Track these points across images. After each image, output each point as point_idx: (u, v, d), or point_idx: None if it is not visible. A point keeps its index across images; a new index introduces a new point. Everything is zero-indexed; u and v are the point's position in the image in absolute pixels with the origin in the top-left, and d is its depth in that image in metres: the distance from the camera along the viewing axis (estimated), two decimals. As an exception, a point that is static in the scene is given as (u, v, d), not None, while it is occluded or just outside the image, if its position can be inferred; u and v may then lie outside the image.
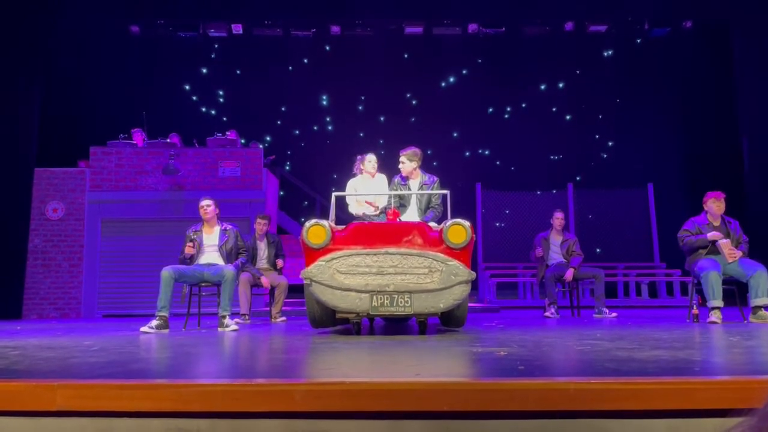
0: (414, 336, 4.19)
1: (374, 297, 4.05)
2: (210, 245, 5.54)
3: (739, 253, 5.27)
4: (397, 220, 4.81)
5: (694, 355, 2.78)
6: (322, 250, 4.22)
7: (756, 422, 0.81)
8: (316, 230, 4.26)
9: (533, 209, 10.43)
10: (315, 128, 11.64)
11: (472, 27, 10.91)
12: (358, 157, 5.53)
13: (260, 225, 6.95)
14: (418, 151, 5.30)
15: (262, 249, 6.93)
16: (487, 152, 11.65)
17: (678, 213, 8.24)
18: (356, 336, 4.21)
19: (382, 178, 5.51)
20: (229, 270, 5.25)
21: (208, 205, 5.57)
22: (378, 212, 5.30)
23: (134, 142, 9.11)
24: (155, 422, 1.88)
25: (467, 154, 11.60)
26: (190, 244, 5.41)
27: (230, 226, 5.69)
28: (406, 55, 11.54)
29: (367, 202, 5.30)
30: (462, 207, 7.78)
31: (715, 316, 5.06)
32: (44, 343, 3.90)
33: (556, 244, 7.18)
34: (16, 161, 8.75)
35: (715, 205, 5.44)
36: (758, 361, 2.62)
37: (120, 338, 4.27)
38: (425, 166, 5.64)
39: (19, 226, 8.66)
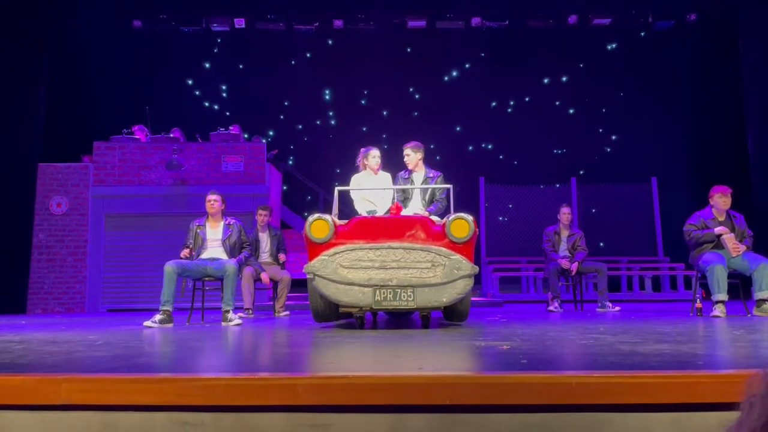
0: (417, 330, 4.20)
1: (377, 291, 4.05)
2: (214, 240, 5.56)
3: (743, 248, 5.26)
4: (401, 214, 4.80)
5: (697, 348, 2.78)
6: (325, 245, 4.22)
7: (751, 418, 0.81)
8: (319, 225, 4.26)
9: (537, 203, 10.42)
10: (318, 123, 11.63)
11: (476, 21, 10.86)
12: (362, 150, 5.48)
13: (261, 216, 6.99)
14: (420, 144, 5.39)
15: (265, 241, 6.95)
16: (490, 146, 11.62)
17: (682, 207, 8.21)
18: (359, 330, 4.22)
19: (386, 176, 5.46)
20: (231, 265, 5.26)
21: (215, 200, 5.60)
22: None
23: (137, 137, 9.12)
24: (159, 416, 1.89)
25: (470, 148, 11.57)
26: (186, 251, 5.44)
27: (234, 221, 5.71)
28: (409, 49, 11.50)
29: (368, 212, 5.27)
30: (465, 201, 7.78)
31: (719, 310, 5.05)
32: (49, 337, 3.92)
33: (563, 239, 7.18)
34: (20, 157, 8.77)
35: (721, 200, 5.42)
36: (762, 354, 2.62)
37: (124, 332, 4.29)
38: (429, 162, 5.65)
39: (24, 222, 8.70)
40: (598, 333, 3.67)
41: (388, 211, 5.08)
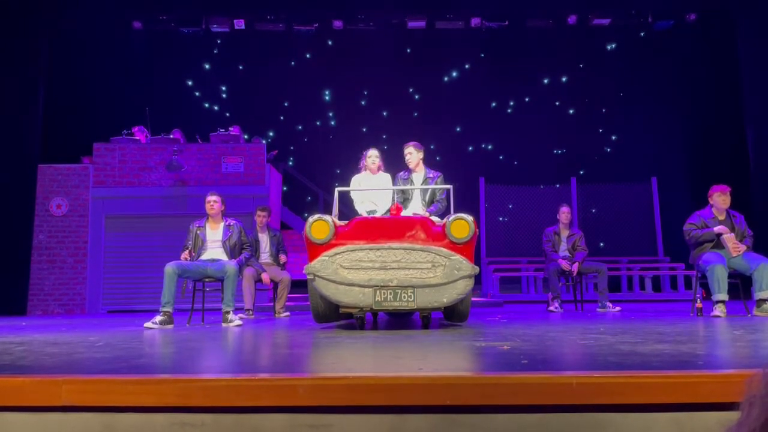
0: (417, 330, 4.20)
1: (377, 292, 4.05)
2: (214, 240, 5.56)
3: (743, 247, 5.26)
4: (401, 214, 4.81)
5: (697, 348, 2.78)
6: (326, 245, 4.22)
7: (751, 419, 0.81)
8: (319, 225, 4.27)
9: (537, 204, 10.41)
10: (318, 123, 11.63)
11: (475, 21, 10.86)
12: (363, 152, 5.53)
13: (260, 217, 7.00)
14: (421, 144, 5.40)
15: (265, 242, 6.97)
16: (490, 147, 11.62)
17: (682, 207, 8.22)
18: (360, 331, 4.22)
19: (386, 176, 5.49)
20: (231, 266, 5.27)
21: (215, 201, 5.59)
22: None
23: (137, 138, 9.12)
24: (159, 417, 1.89)
25: (470, 148, 11.57)
26: (185, 253, 5.43)
27: (234, 222, 5.71)
28: (408, 50, 11.50)
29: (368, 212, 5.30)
30: (465, 201, 7.77)
31: (719, 310, 5.05)
32: (49, 338, 3.92)
33: (563, 239, 7.19)
34: (20, 158, 8.78)
35: (720, 198, 5.42)
36: (762, 354, 2.62)
37: (124, 334, 4.29)
38: (429, 162, 5.66)
39: (24, 223, 8.69)
40: (598, 333, 3.68)
41: (388, 211, 5.09)
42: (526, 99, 11.59)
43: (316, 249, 4.24)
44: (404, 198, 5.32)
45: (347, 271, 4.11)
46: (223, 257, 5.50)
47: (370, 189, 5.34)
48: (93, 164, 8.98)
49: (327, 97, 11.66)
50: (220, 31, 10.98)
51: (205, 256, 5.48)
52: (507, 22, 10.83)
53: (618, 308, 6.76)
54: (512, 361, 2.41)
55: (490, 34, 11.10)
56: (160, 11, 10.47)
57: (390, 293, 4.05)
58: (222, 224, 5.64)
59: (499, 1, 10.58)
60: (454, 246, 4.18)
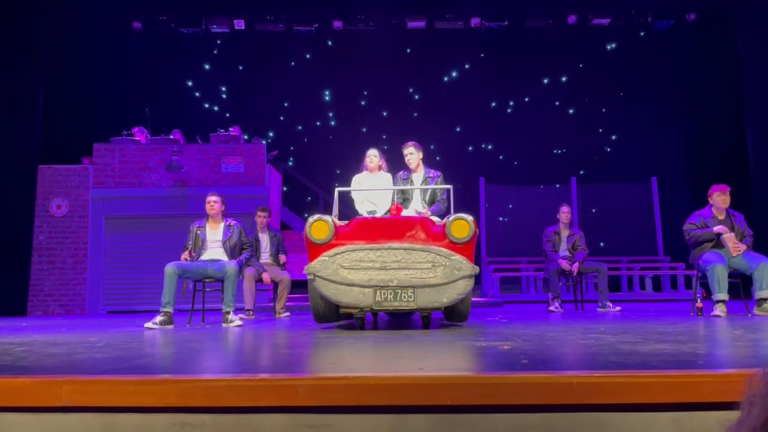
0: (418, 331, 4.20)
1: (378, 292, 4.05)
2: (214, 241, 5.56)
3: (743, 247, 5.27)
4: (401, 214, 4.80)
5: (698, 348, 2.78)
6: (326, 246, 4.22)
7: (750, 418, 0.81)
8: (319, 225, 4.26)
9: (537, 203, 10.41)
10: (318, 123, 11.63)
11: (475, 21, 10.86)
12: (365, 153, 5.55)
13: (261, 218, 7.01)
14: (419, 144, 5.41)
15: (265, 241, 6.98)
16: (490, 147, 11.62)
17: (682, 207, 8.21)
18: (360, 331, 4.22)
19: (386, 176, 5.49)
20: (232, 266, 5.26)
21: (215, 201, 5.59)
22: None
23: (137, 139, 9.12)
24: (160, 417, 1.89)
25: (470, 148, 11.57)
26: (185, 254, 5.43)
27: (234, 222, 5.71)
28: (408, 50, 11.50)
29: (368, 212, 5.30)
30: (465, 201, 7.78)
31: (720, 310, 5.05)
32: (49, 339, 3.92)
33: (563, 239, 7.19)
34: (20, 158, 8.78)
35: (720, 198, 5.43)
36: (762, 354, 2.62)
37: (125, 334, 4.29)
38: (429, 162, 5.66)
39: (24, 223, 8.70)
40: (598, 333, 3.67)
41: (388, 211, 5.09)
42: (526, 99, 11.59)
43: (316, 249, 4.24)
44: (404, 198, 5.32)
45: (347, 272, 4.11)
46: (224, 257, 5.50)
47: (370, 189, 5.34)
48: (93, 165, 8.98)
49: (327, 98, 11.66)
50: (220, 32, 10.98)
51: (205, 257, 5.48)
52: (507, 22, 10.83)
53: (618, 308, 6.76)
54: (512, 361, 2.41)
55: (490, 34, 11.10)
56: (160, 11, 10.47)
57: (390, 293, 4.05)
58: (222, 224, 5.64)
59: (499, 1, 10.59)
60: (454, 246, 4.18)
